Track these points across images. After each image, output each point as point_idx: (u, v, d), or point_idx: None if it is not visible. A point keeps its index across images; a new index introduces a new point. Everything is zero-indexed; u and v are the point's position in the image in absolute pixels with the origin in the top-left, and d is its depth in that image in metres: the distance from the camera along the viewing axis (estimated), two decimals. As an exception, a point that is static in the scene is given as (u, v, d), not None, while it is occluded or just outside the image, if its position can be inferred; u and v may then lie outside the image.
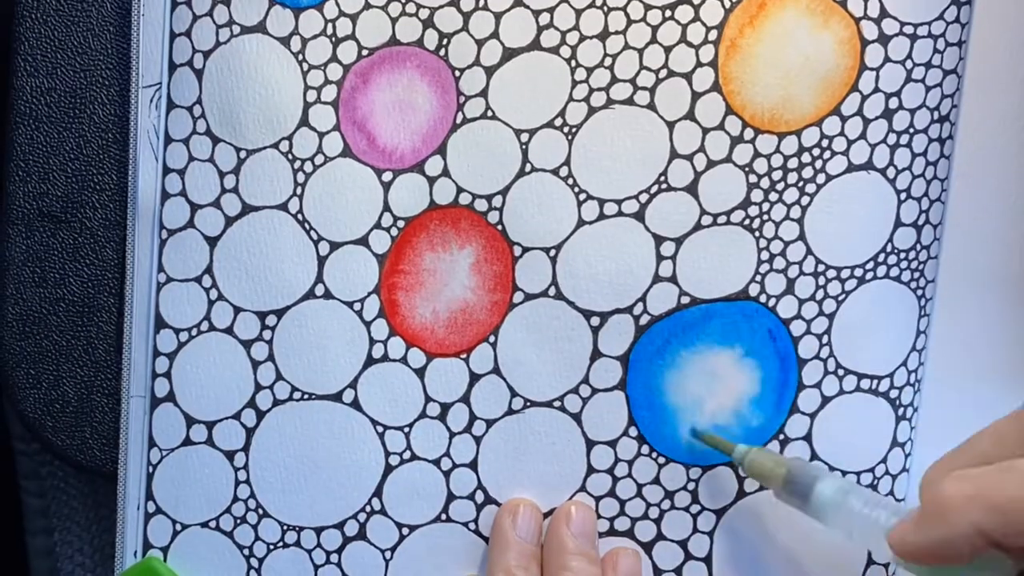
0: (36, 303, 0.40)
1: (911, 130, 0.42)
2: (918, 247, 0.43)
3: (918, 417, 0.44)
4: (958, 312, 0.44)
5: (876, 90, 0.41)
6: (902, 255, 0.42)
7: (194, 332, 0.40)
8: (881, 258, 0.42)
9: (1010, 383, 0.44)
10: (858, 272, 0.42)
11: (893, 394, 0.43)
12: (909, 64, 0.41)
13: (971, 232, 0.43)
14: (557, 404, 0.41)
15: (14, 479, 0.44)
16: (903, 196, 0.42)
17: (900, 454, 0.43)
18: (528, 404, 0.41)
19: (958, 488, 0.31)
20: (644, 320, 0.41)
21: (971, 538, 0.30)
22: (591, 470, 0.42)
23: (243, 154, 0.39)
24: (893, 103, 0.41)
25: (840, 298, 0.42)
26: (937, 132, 0.42)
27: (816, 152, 0.41)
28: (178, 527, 0.41)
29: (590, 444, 0.42)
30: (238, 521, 0.41)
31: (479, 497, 0.42)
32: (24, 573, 0.46)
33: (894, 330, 0.42)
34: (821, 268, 0.42)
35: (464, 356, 0.41)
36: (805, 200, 0.41)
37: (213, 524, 0.41)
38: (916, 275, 0.43)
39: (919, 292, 0.43)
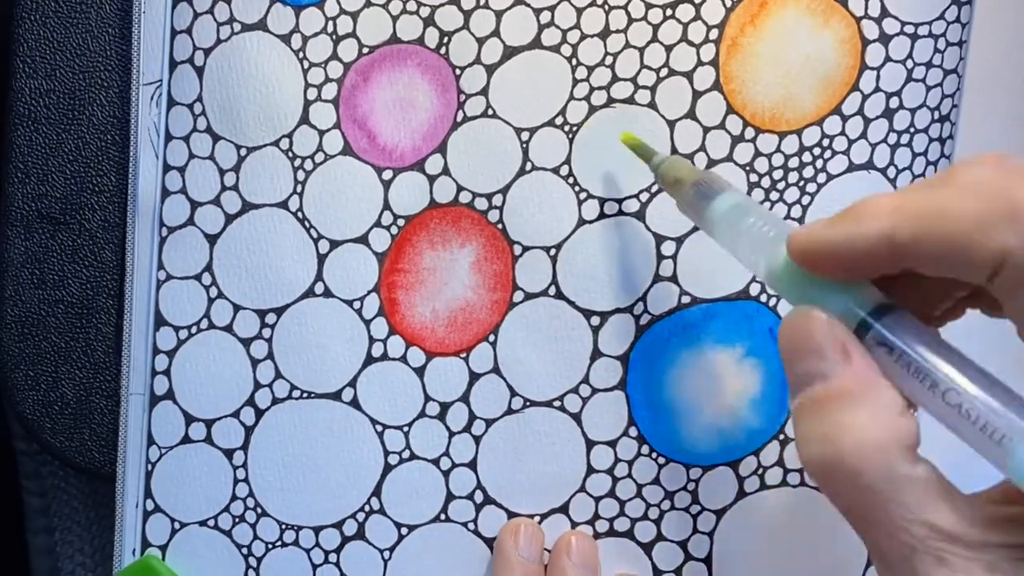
0: (35, 304, 0.40)
1: (912, 130, 0.42)
2: (919, 247, 0.43)
3: (918, 416, 0.43)
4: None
5: (877, 89, 0.41)
6: (903, 255, 0.42)
7: (194, 330, 0.40)
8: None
9: (1010, 383, 0.44)
10: (859, 272, 0.42)
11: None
12: (910, 64, 0.41)
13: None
14: (557, 404, 0.41)
15: (15, 478, 0.44)
16: (904, 196, 0.42)
17: (901, 455, 0.43)
18: (528, 404, 0.41)
19: (887, 196, 0.29)
20: (644, 320, 0.41)
21: (878, 244, 0.28)
22: (591, 470, 0.42)
23: (243, 151, 0.39)
24: (894, 103, 0.41)
25: (841, 298, 0.42)
26: (937, 132, 0.42)
27: (817, 151, 0.41)
28: (176, 525, 0.41)
29: (590, 444, 0.42)
30: (237, 520, 0.41)
31: (478, 497, 0.42)
32: (25, 572, 0.46)
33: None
34: (822, 268, 0.42)
35: (464, 355, 0.41)
36: (806, 199, 0.41)
37: (211, 523, 0.41)
38: (917, 276, 0.43)
39: (920, 293, 0.43)
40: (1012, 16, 0.42)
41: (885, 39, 0.41)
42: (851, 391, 0.29)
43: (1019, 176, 0.27)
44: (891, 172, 0.42)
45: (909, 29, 0.41)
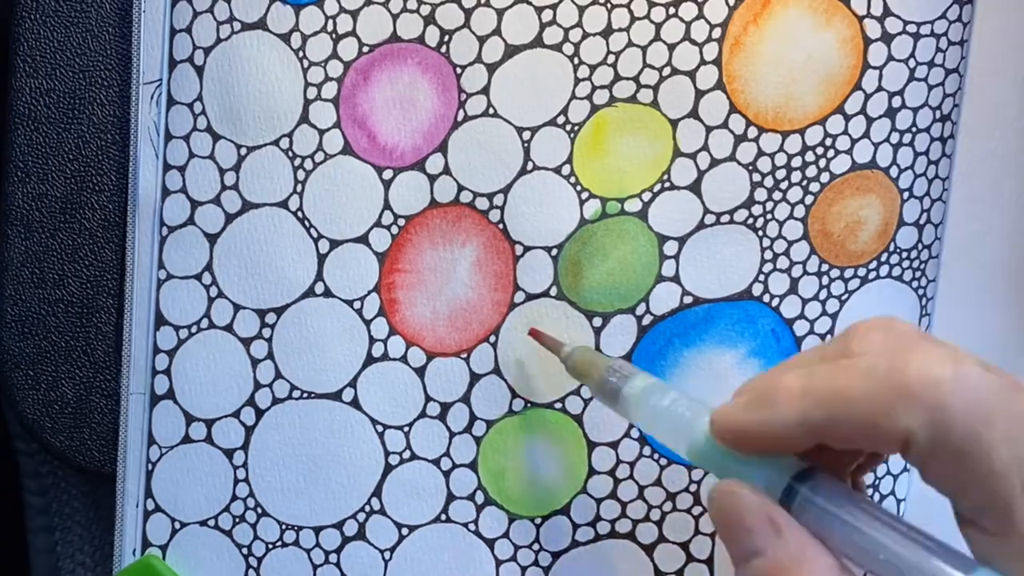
0: (35, 304, 0.40)
1: (914, 129, 0.42)
2: (920, 246, 0.42)
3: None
4: (958, 311, 0.44)
5: (879, 89, 0.41)
6: (904, 254, 0.42)
7: (194, 329, 0.40)
8: (884, 257, 0.42)
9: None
10: (861, 272, 0.42)
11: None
12: (912, 63, 0.41)
13: (971, 231, 0.43)
14: (558, 405, 0.41)
15: (16, 477, 0.44)
16: (905, 195, 0.42)
17: (903, 456, 0.43)
18: (529, 405, 0.41)
19: (794, 378, 0.30)
20: (647, 320, 0.41)
21: (794, 429, 0.30)
22: (592, 472, 0.41)
23: (243, 151, 0.39)
24: (896, 102, 0.41)
25: (843, 298, 0.42)
26: (939, 131, 0.42)
27: (820, 151, 0.41)
28: (177, 525, 0.41)
29: (591, 446, 0.41)
30: (237, 520, 0.41)
31: (479, 498, 0.41)
32: (25, 571, 0.46)
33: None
34: (824, 268, 0.41)
35: (464, 355, 0.41)
36: (809, 199, 0.41)
37: (212, 522, 0.41)
38: (917, 274, 0.42)
39: (920, 291, 0.43)
40: (1013, 15, 0.42)
41: (887, 38, 0.41)
42: (787, 566, 0.29)
43: (906, 349, 0.29)
44: (893, 172, 0.42)
45: (911, 28, 0.41)
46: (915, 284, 0.42)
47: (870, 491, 0.43)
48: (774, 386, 0.30)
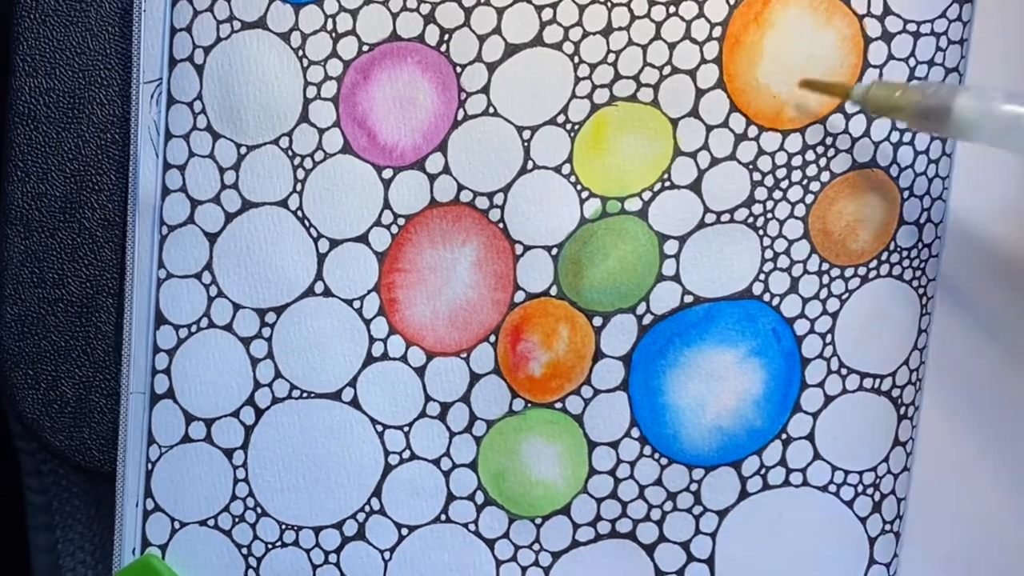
0: (34, 303, 0.40)
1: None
2: (920, 245, 0.42)
3: (919, 416, 0.43)
4: (959, 310, 0.44)
5: (881, 88, 0.41)
6: (904, 253, 0.42)
7: (194, 328, 0.40)
8: (884, 256, 0.42)
9: (1010, 382, 0.44)
10: (861, 271, 0.42)
11: (895, 393, 0.42)
12: (912, 62, 0.41)
13: (971, 230, 0.43)
14: (559, 405, 0.41)
15: (17, 476, 0.44)
16: (906, 194, 0.42)
17: (902, 453, 0.43)
18: (529, 405, 0.41)
19: None
20: (647, 320, 0.41)
21: None
22: (592, 471, 0.41)
23: (243, 150, 0.39)
24: (898, 101, 0.41)
25: (844, 297, 0.42)
26: (942, 131, 0.42)
27: (820, 150, 0.41)
28: (176, 525, 0.41)
29: (592, 445, 0.41)
30: (236, 520, 0.41)
31: (479, 498, 0.41)
32: (26, 569, 0.45)
33: (896, 329, 0.42)
34: (825, 267, 0.41)
35: (464, 355, 0.41)
36: (809, 198, 0.41)
37: (211, 522, 0.41)
38: (918, 273, 0.42)
39: (921, 290, 0.43)
40: (1013, 15, 0.42)
41: (888, 37, 0.41)
42: None
43: None
44: (894, 170, 0.41)
45: (911, 27, 0.41)
46: (915, 283, 0.42)
47: (870, 490, 0.43)
48: None
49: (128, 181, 0.40)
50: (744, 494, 0.42)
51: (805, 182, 0.41)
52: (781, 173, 0.41)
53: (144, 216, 0.40)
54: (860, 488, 0.43)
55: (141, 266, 0.40)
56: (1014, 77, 0.42)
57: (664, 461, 0.42)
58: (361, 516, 0.41)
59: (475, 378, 0.41)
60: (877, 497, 0.43)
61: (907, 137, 0.41)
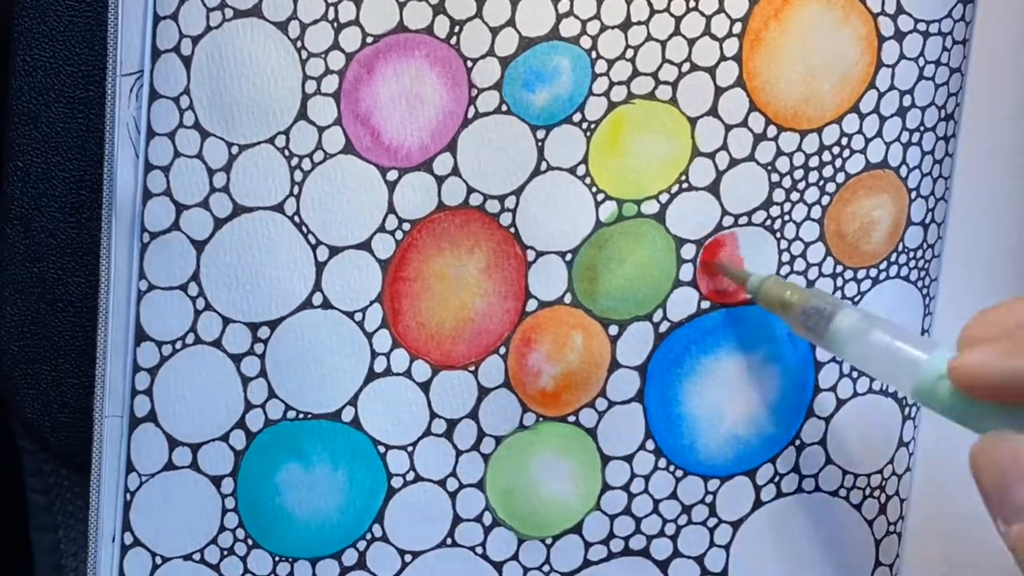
0: (34, 303, 0.38)
1: (922, 128, 0.41)
2: (924, 246, 0.42)
3: (921, 416, 0.43)
4: (959, 310, 0.43)
5: (892, 87, 0.40)
6: (910, 254, 0.42)
7: (178, 345, 0.36)
8: (893, 258, 0.41)
9: None
10: (872, 273, 0.41)
11: (900, 393, 0.42)
12: (921, 61, 0.40)
13: (972, 230, 0.43)
14: (572, 419, 0.39)
15: (19, 476, 0.42)
16: (913, 195, 0.41)
17: (905, 453, 0.43)
18: (540, 419, 0.39)
19: None
20: (664, 327, 0.39)
21: None
22: (606, 487, 0.40)
23: (235, 150, 0.36)
24: (907, 100, 0.41)
25: (856, 300, 0.41)
26: (943, 130, 0.42)
27: (836, 150, 0.40)
28: (158, 560, 0.37)
29: (605, 460, 0.39)
30: (225, 553, 0.38)
31: (487, 519, 0.39)
32: (28, 569, 0.43)
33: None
34: (839, 269, 0.41)
35: (472, 368, 0.38)
36: (825, 199, 0.40)
37: (197, 556, 0.37)
38: (922, 274, 0.42)
39: (924, 291, 0.42)
40: (1013, 15, 0.42)
41: (900, 36, 0.40)
42: None
43: None
44: (903, 171, 0.41)
45: (921, 26, 0.40)
46: (920, 284, 0.42)
47: (876, 492, 0.43)
48: None
49: (104, 182, 0.36)
50: (758, 503, 0.41)
51: (821, 183, 0.40)
52: (799, 174, 0.39)
53: (122, 222, 0.36)
54: (868, 491, 0.42)
55: (119, 277, 0.36)
56: (1013, 77, 0.42)
57: (679, 473, 0.40)
58: (362, 544, 0.38)
59: (484, 392, 0.38)
60: (883, 499, 0.43)
61: (915, 138, 0.41)
